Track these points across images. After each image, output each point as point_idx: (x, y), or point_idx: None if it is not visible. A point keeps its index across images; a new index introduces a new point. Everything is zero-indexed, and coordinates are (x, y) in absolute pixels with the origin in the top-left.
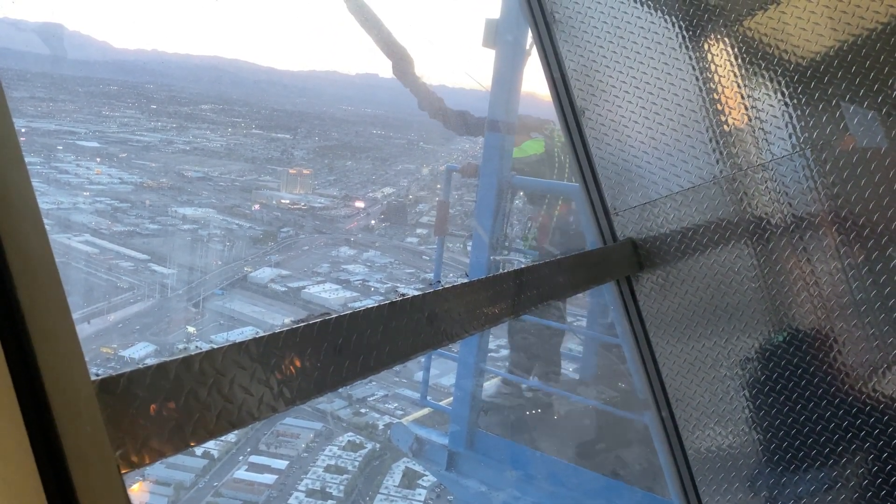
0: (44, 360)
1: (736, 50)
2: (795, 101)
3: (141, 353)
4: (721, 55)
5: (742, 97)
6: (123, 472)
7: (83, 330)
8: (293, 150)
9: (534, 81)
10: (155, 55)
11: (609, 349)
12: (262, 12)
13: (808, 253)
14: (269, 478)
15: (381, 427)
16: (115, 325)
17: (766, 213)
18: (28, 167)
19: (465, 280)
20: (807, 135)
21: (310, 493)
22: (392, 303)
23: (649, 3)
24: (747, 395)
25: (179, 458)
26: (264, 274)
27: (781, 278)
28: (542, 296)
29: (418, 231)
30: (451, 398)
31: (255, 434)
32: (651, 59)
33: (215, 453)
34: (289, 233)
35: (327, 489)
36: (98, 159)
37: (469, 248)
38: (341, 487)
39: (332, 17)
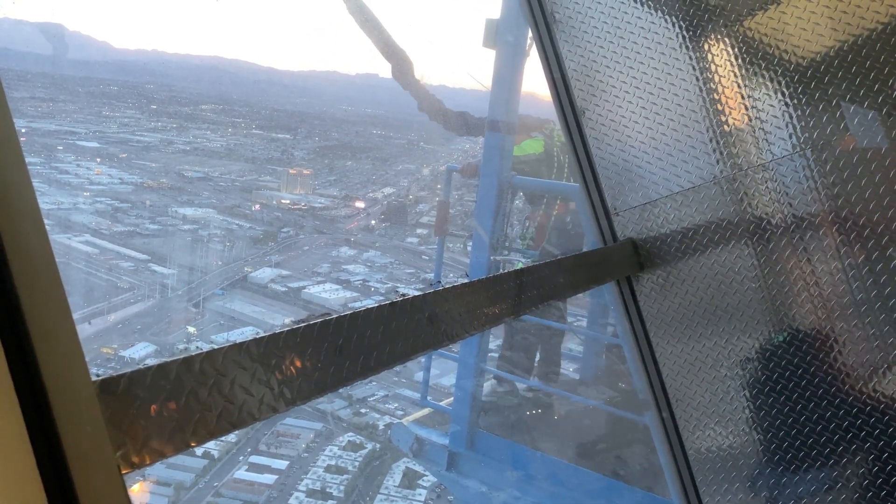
0: (44, 360)
1: (736, 50)
2: (796, 101)
3: (141, 353)
4: (721, 55)
5: (742, 97)
6: (124, 472)
7: (84, 330)
8: (293, 151)
9: (534, 81)
10: (155, 55)
11: (610, 349)
12: (263, 13)
13: (808, 253)
14: (269, 478)
15: (381, 427)
16: (115, 325)
17: (766, 214)
18: (28, 167)
19: (466, 280)
20: (807, 135)
21: (310, 494)
22: (392, 303)
23: (649, 3)
24: (748, 395)
25: (180, 459)
26: (264, 274)
27: (782, 278)
28: (543, 296)
29: (418, 231)
30: (452, 398)
31: (255, 434)
32: (651, 60)
33: (215, 453)
34: (289, 233)
35: (327, 489)
36: (98, 159)
37: (469, 249)
38: (341, 488)
39: (333, 17)
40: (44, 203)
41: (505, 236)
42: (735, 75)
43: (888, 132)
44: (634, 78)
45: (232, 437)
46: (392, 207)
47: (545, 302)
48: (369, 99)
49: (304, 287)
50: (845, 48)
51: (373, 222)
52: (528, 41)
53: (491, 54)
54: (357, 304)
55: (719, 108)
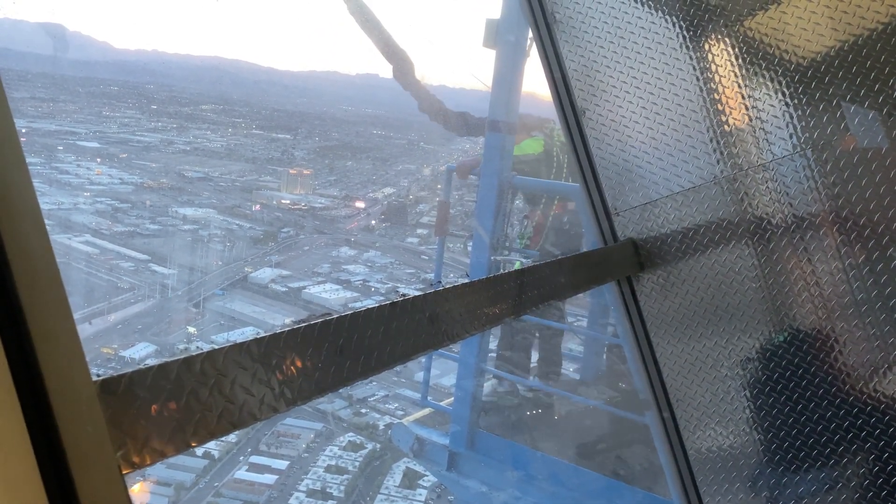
0: (45, 360)
1: (736, 50)
2: (796, 101)
3: (141, 353)
4: (722, 55)
5: (743, 97)
6: (125, 472)
7: (84, 330)
8: (294, 151)
9: (534, 81)
10: (155, 55)
11: (610, 349)
12: (263, 13)
13: (808, 253)
14: (269, 478)
15: (381, 427)
16: (115, 325)
17: (766, 214)
18: (29, 167)
19: (466, 280)
20: (807, 135)
21: (310, 494)
22: (393, 303)
23: (650, 3)
24: (748, 395)
25: (180, 459)
26: (265, 274)
27: (782, 278)
28: (543, 296)
29: (419, 231)
30: (452, 398)
31: (255, 434)
32: (652, 60)
33: (216, 453)
34: (289, 233)
35: (328, 489)
36: (98, 159)
37: (469, 249)
38: (342, 488)
39: (333, 17)
40: (44, 203)
41: (505, 236)
42: (735, 75)
43: (888, 132)
44: (635, 78)
45: (232, 438)
46: (392, 207)
47: (546, 302)
48: (370, 99)
49: (304, 287)
50: (846, 48)
51: (373, 222)
52: (529, 41)
53: (491, 54)
54: (357, 305)
55: (720, 107)
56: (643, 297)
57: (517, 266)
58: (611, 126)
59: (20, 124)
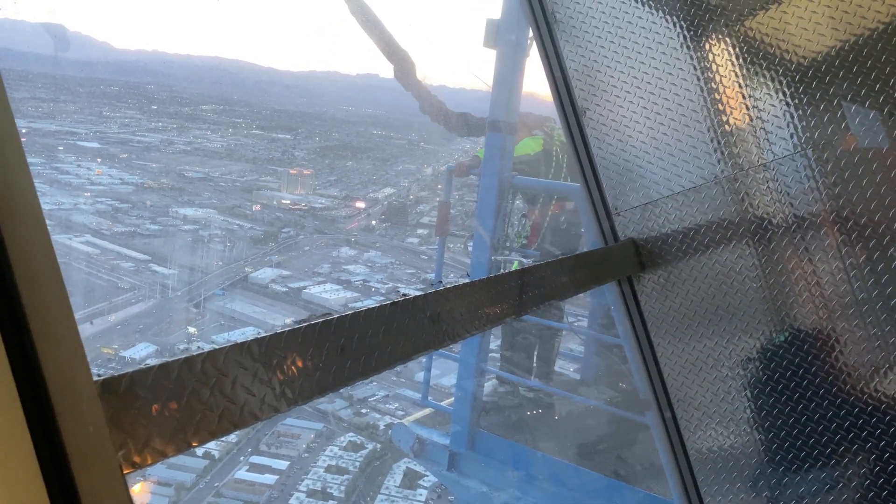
0: (46, 360)
1: (737, 50)
2: (797, 100)
3: (142, 353)
4: (722, 55)
5: (743, 97)
6: (126, 472)
7: (85, 330)
8: (294, 151)
9: (535, 81)
10: (156, 55)
11: (610, 349)
12: (263, 13)
13: (809, 253)
14: (269, 478)
15: (382, 427)
16: (115, 325)
17: (767, 213)
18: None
19: (467, 280)
20: (808, 135)
21: (311, 494)
22: (394, 303)
23: (650, 2)
24: (749, 395)
25: (180, 459)
26: (265, 274)
27: (783, 278)
28: (544, 296)
29: (419, 231)
30: (453, 398)
31: (255, 434)
32: (652, 59)
33: (216, 454)
34: (289, 233)
35: (328, 489)
36: (99, 160)
37: (470, 249)
38: (342, 488)
39: (333, 17)
40: (44, 203)
41: (506, 236)
42: (736, 75)
43: (889, 132)
44: (635, 78)
45: (232, 438)
46: (393, 208)
47: (546, 302)
48: (370, 99)
49: (304, 287)
50: (846, 48)
51: (373, 222)
52: (529, 41)
53: (492, 54)
54: (358, 305)
55: (720, 107)
56: (644, 296)
57: (515, 266)
58: (611, 126)
59: (21, 124)
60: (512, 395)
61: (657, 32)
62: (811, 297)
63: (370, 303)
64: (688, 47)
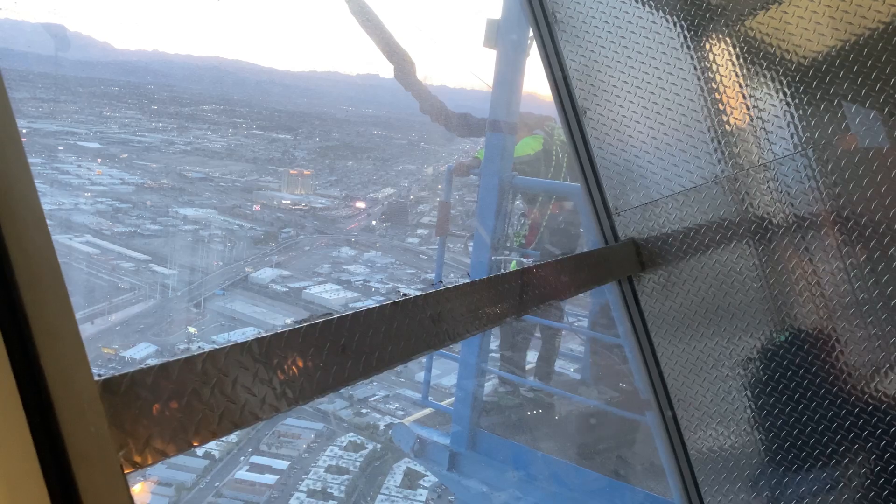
0: (47, 360)
1: (737, 49)
2: (797, 100)
3: (142, 353)
4: (722, 55)
5: (744, 97)
6: (126, 472)
7: (85, 330)
8: (294, 151)
9: (535, 81)
10: (156, 55)
11: (611, 349)
12: (264, 13)
13: (809, 253)
14: (270, 478)
15: (382, 427)
16: (116, 325)
17: (767, 213)
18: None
19: (467, 280)
20: (808, 134)
21: (311, 494)
22: (395, 303)
23: (650, 2)
24: (749, 394)
25: (181, 459)
26: (265, 274)
27: (783, 278)
28: (544, 296)
29: (419, 231)
30: (453, 398)
31: (256, 434)
32: (652, 59)
33: (216, 454)
34: (290, 233)
35: (328, 489)
36: (99, 160)
37: (470, 249)
38: (342, 488)
39: (333, 17)
40: (45, 204)
41: (506, 236)
42: (736, 75)
43: (890, 132)
44: (636, 78)
45: (233, 438)
46: (393, 208)
47: (547, 302)
48: (370, 99)
49: (304, 287)
50: (847, 47)
51: (373, 223)
52: (529, 41)
53: (492, 54)
54: (358, 305)
55: (721, 107)
56: (644, 296)
57: (513, 266)
58: (612, 126)
59: (21, 125)
60: (512, 395)
61: (657, 32)
62: (811, 297)
63: (370, 303)
64: (688, 47)
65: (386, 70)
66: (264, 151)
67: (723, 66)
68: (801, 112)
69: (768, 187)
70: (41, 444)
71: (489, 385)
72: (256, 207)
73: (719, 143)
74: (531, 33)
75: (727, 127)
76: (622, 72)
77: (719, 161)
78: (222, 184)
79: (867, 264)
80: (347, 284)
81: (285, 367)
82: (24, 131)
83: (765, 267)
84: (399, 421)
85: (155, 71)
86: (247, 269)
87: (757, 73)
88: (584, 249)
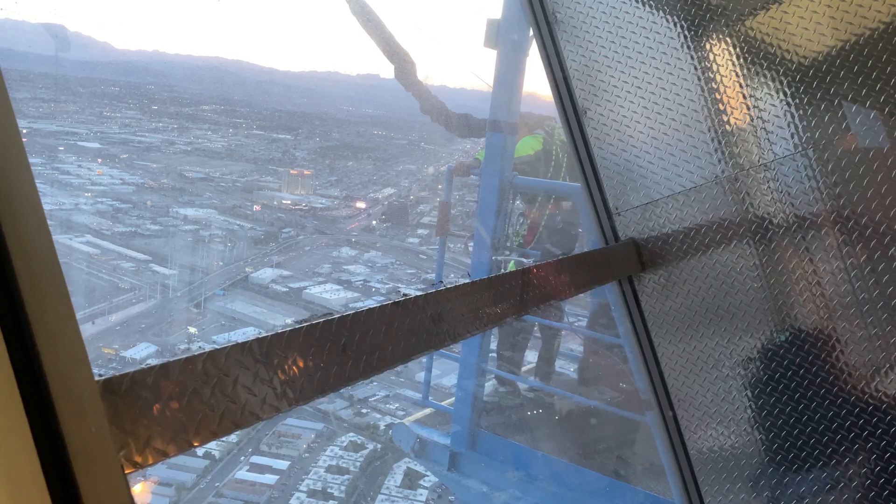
0: (48, 360)
1: (738, 49)
2: (797, 100)
3: (142, 353)
4: (723, 55)
5: (744, 97)
6: (127, 472)
7: (85, 330)
8: (294, 151)
9: (536, 81)
10: (156, 56)
11: (610, 349)
12: (264, 13)
13: (810, 253)
14: (270, 478)
15: (382, 427)
16: (116, 325)
17: (768, 213)
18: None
19: (468, 280)
20: (809, 134)
21: (311, 494)
22: (395, 303)
23: (651, 2)
24: (750, 394)
25: (181, 459)
26: (265, 274)
27: (784, 278)
28: (545, 296)
29: (419, 231)
30: (453, 398)
31: (256, 434)
32: (653, 59)
33: (217, 454)
34: (290, 233)
35: (328, 489)
36: (99, 160)
37: (470, 249)
38: (342, 488)
39: (334, 17)
40: (45, 204)
41: (506, 236)
42: (737, 75)
43: (890, 132)
44: (636, 77)
45: (233, 438)
46: (393, 208)
47: (547, 301)
48: (370, 99)
49: (305, 287)
50: (847, 47)
51: (374, 223)
52: (529, 41)
53: (493, 54)
54: (359, 304)
55: (721, 107)
56: (644, 296)
57: (511, 266)
58: (612, 126)
59: (22, 125)
60: (512, 395)
61: (658, 32)
62: (812, 297)
63: (371, 303)
64: (688, 47)
65: (386, 70)
66: (265, 151)
67: (723, 66)
68: (801, 112)
69: (769, 187)
70: (42, 444)
71: (489, 385)
72: (257, 207)
73: (720, 143)
74: (531, 33)
75: (727, 127)
76: (622, 72)
77: (720, 161)
78: (223, 184)
79: (867, 264)
80: (348, 284)
81: (286, 367)
82: (24, 131)
83: (765, 267)
84: (399, 421)
85: (155, 71)
86: (247, 270)
87: (757, 73)
88: (582, 248)
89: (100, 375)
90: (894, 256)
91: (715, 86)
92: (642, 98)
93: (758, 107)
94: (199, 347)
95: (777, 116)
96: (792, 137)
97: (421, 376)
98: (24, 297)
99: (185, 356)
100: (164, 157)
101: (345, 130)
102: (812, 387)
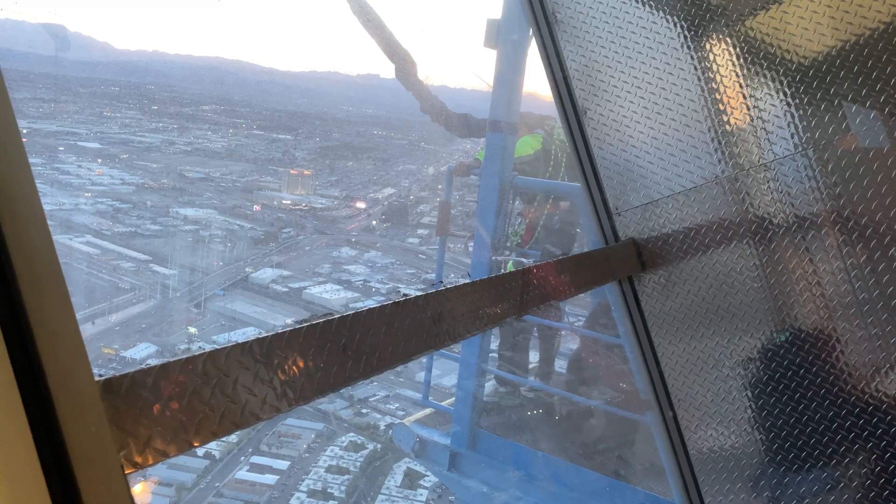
0: (48, 360)
1: (738, 49)
2: (797, 100)
3: (143, 353)
4: (723, 55)
5: (744, 97)
6: (127, 472)
7: (86, 330)
8: (294, 151)
9: (536, 81)
10: (156, 56)
11: (610, 349)
12: (264, 13)
13: (810, 253)
14: (270, 478)
15: (382, 427)
16: (116, 325)
17: (768, 213)
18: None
19: (468, 280)
20: (809, 134)
21: (311, 494)
22: (395, 303)
23: (651, 2)
24: (750, 394)
25: (181, 459)
26: (265, 274)
27: (784, 278)
28: (545, 296)
29: (420, 231)
30: (453, 398)
31: (256, 435)
32: (653, 59)
33: (217, 454)
34: (290, 233)
35: (329, 490)
36: (99, 160)
37: (471, 249)
38: (343, 488)
39: (334, 17)
40: (45, 204)
41: (506, 236)
42: (737, 75)
43: (890, 132)
44: (636, 78)
45: (233, 438)
46: (393, 208)
47: (547, 302)
48: (371, 99)
49: (305, 287)
50: (847, 47)
51: (374, 223)
52: (530, 41)
53: (493, 54)
54: (359, 304)
55: (721, 107)
56: (644, 296)
57: (510, 266)
58: (612, 126)
59: (22, 125)
60: (512, 395)
61: (657, 32)
62: (812, 297)
63: (371, 303)
64: (688, 47)
65: (386, 70)
66: (265, 151)
67: (723, 66)
68: (801, 112)
69: (769, 187)
70: (42, 445)
71: (489, 385)
72: (257, 207)
73: (720, 143)
74: (531, 33)
75: (727, 127)
76: (622, 72)
77: (720, 161)
78: (223, 184)
79: (867, 264)
80: (348, 284)
81: (286, 367)
82: (24, 131)
83: (765, 267)
84: (399, 421)
85: (155, 71)
86: (247, 270)
87: (757, 73)
88: (581, 248)
89: (100, 375)
90: (894, 256)
91: (715, 86)
92: (642, 98)
93: (758, 107)
94: (200, 347)
95: (777, 116)
96: (792, 137)
97: (421, 376)
98: (24, 297)
99: (185, 356)
100: (164, 157)
101: (345, 130)
102: (812, 387)
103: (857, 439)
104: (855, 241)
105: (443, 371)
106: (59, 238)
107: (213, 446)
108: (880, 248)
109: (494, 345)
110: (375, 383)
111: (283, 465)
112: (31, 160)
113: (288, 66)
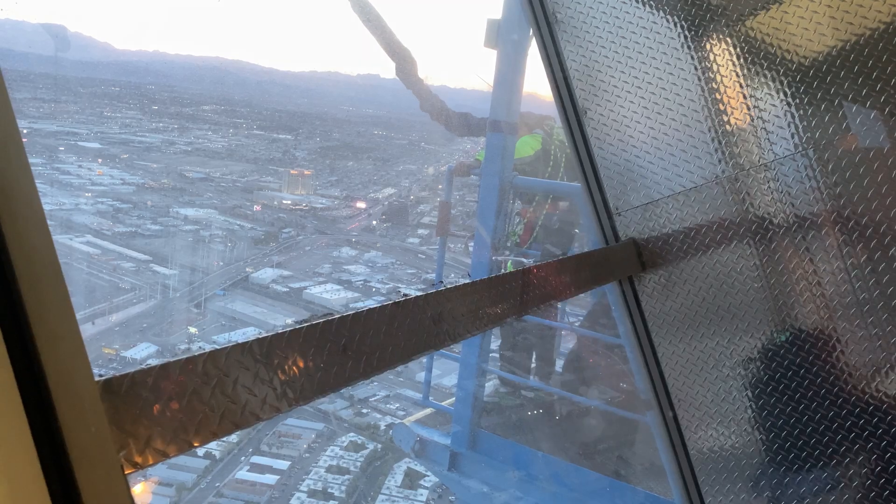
0: (48, 360)
1: (738, 49)
2: (798, 100)
3: (143, 353)
4: (723, 55)
5: (744, 97)
6: (127, 472)
7: (86, 331)
8: (295, 151)
9: (536, 81)
10: (157, 56)
11: (611, 349)
12: (264, 13)
13: (810, 253)
14: (270, 478)
15: (382, 427)
16: (116, 325)
17: (768, 213)
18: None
19: (468, 280)
20: (809, 134)
21: (311, 494)
22: (395, 303)
23: (651, 2)
24: (750, 394)
25: (181, 459)
26: (266, 274)
27: (784, 278)
28: (545, 296)
29: (420, 231)
30: (453, 398)
31: (256, 435)
32: (653, 59)
33: (217, 454)
34: (290, 233)
35: (329, 489)
36: (100, 160)
37: (471, 249)
38: (343, 488)
39: (334, 17)
40: (45, 204)
41: (506, 236)
42: (737, 75)
43: (890, 132)
44: (636, 78)
45: (233, 438)
46: (393, 208)
47: (547, 302)
48: (371, 99)
49: (305, 287)
50: (847, 47)
51: (374, 223)
52: (530, 41)
53: (493, 54)
54: (359, 305)
55: (721, 107)
56: (645, 296)
57: (509, 266)
58: (612, 126)
59: (22, 125)
60: (513, 395)
61: (658, 32)
62: (812, 297)
63: (371, 303)
64: (688, 47)
65: (387, 70)
66: (265, 151)
67: (723, 66)
68: (801, 112)
69: (769, 187)
70: (42, 445)
71: (489, 385)
72: (257, 207)
73: (720, 143)
74: (531, 33)
75: (727, 127)
76: (622, 72)
77: (720, 161)
78: (223, 184)
79: (867, 264)
80: (348, 284)
81: (286, 367)
82: (24, 131)
83: (765, 267)
84: (400, 421)
85: (155, 71)
86: (247, 270)
87: (757, 73)
88: (580, 247)
89: (100, 376)
90: (894, 256)
91: (715, 86)
92: (642, 98)
93: (758, 107)
94: (200, 347)
95: (777, 116)
96: (792, 137)
97: (421, 376)
98: (24, 297)
99: (185, 356)
100: (164, 157)
101: (345, 130)
102: (812, 387)
103: (858, 439)
104: (855, 241)
105: (443, 371)
106: (59, 238)
107: (214, 446)
108: (880, 248)
109: (495, 345)
110: (376, 383)
111: (283, 465)
112: (31, 160)
113: (288, 66)
